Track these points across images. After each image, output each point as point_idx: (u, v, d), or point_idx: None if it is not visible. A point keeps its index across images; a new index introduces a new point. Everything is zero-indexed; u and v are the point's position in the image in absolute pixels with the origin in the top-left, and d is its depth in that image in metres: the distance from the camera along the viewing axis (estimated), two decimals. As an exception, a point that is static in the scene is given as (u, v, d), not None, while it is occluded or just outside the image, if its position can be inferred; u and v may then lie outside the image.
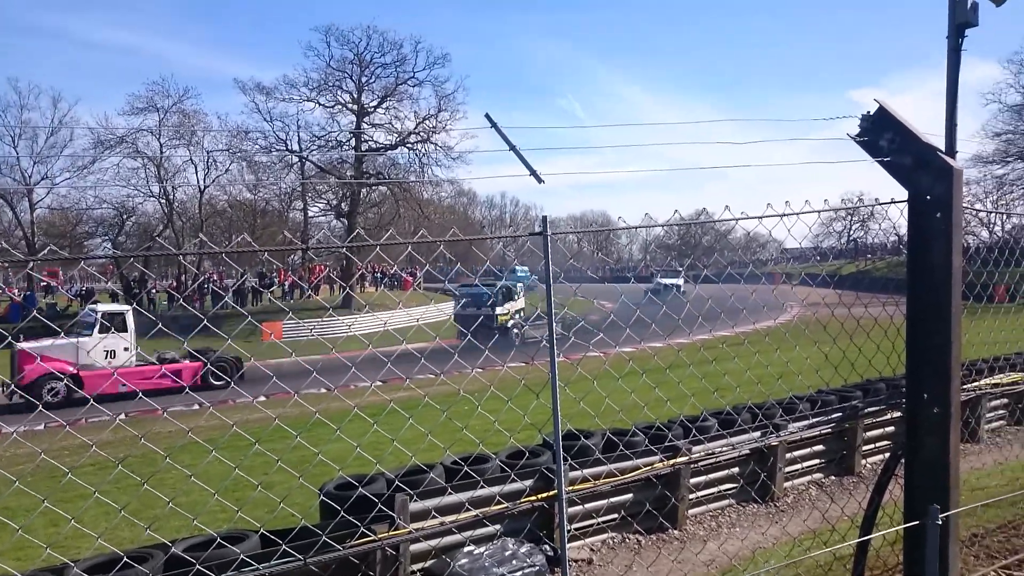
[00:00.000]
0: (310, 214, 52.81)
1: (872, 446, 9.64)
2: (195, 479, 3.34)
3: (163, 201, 47.66)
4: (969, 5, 3.42)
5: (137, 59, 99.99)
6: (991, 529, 5.93)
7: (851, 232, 72.83)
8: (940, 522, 3.25)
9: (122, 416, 3.50)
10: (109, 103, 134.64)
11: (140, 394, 3.74)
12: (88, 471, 11.19)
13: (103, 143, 44.49)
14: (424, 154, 48.26)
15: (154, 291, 44.70)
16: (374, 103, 48.82)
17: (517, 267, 39.97)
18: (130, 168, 45.91)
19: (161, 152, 46.61)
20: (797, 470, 8.89)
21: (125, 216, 48.13)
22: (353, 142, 48.42)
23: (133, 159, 45.85)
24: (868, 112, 3.77)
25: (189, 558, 3.63)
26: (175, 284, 47.84)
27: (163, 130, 46.10)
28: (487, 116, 3.08)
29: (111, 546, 3.81)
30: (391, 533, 4.86)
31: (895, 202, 3.84)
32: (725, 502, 8.12)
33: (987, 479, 7.81)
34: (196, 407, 13.11)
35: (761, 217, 3.43)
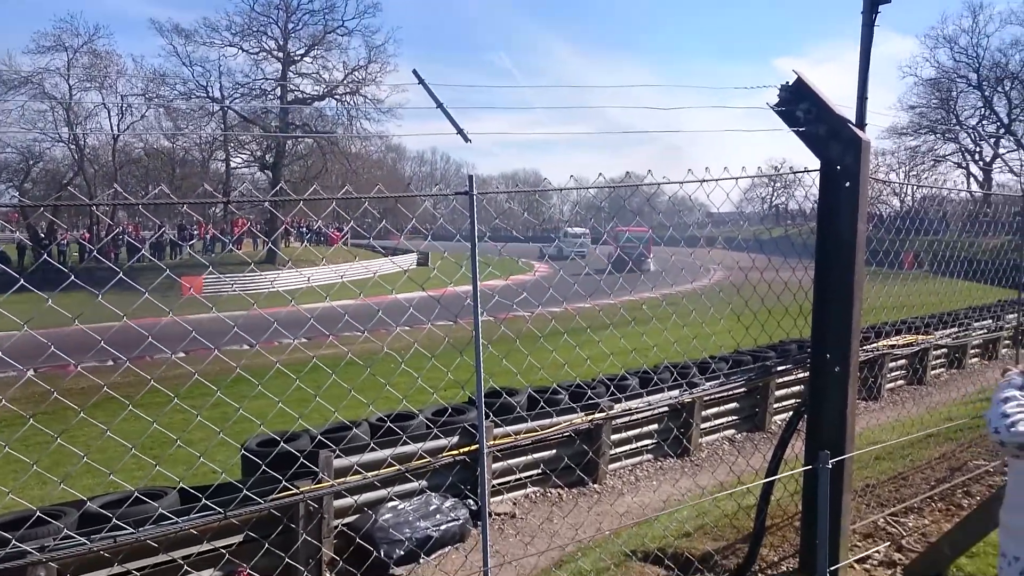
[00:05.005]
0: (233, 165, 50.98)
1: (782, 404, 10.15)
2: (111, 435, 3.28)
3: (73, 147, 45.10)
4: (883, -18, 3.58)
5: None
6: (883, 480, 6.36)
7: (774, 198, 75.08)
8: (831, 466, 3.48)
9: (30, 372, 3.39)
10: (12, 40, 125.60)
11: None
12: (-7, 428, 10.74)
13: (5, 83, 41.59)
14: (353, 107, 47.04)
15: (64, 242, 42.49)
16: (301, 51, 47.02)
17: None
18: (36, 111, 43.16)
19: (70, 95, 43.95)
20: (712, 426, 9.30)
21: (31, 162, 45.39)
22: (278, 91, 46.74)
23: (40, 101, 43.12)
24: (787, 83, 3.90)
25: (106, 513, 3.58)
26: (87, 235, 45.59)
27: (72, 71, 43.43)
28: (415, 72, 3.06)
29: (22, 502, 3.72)
30: (313, 486, 4.89)
31: (808, 171, 4.01)
32: (644, 457, 8.44)
33: (883, 434, 8.32)
34: (111, 363, 12.71)
35: (682, 182, 3.54)
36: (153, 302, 3.23)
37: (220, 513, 3.20)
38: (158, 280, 3.59)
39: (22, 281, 2.89)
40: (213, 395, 3.62)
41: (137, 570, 4.18)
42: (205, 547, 4.46)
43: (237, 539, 4.79)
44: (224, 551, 4.42)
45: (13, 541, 3.24)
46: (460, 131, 3.17)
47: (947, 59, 55.18)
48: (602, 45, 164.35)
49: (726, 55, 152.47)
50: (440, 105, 3.13)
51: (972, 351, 14.23)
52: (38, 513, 3.51)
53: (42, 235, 40.94)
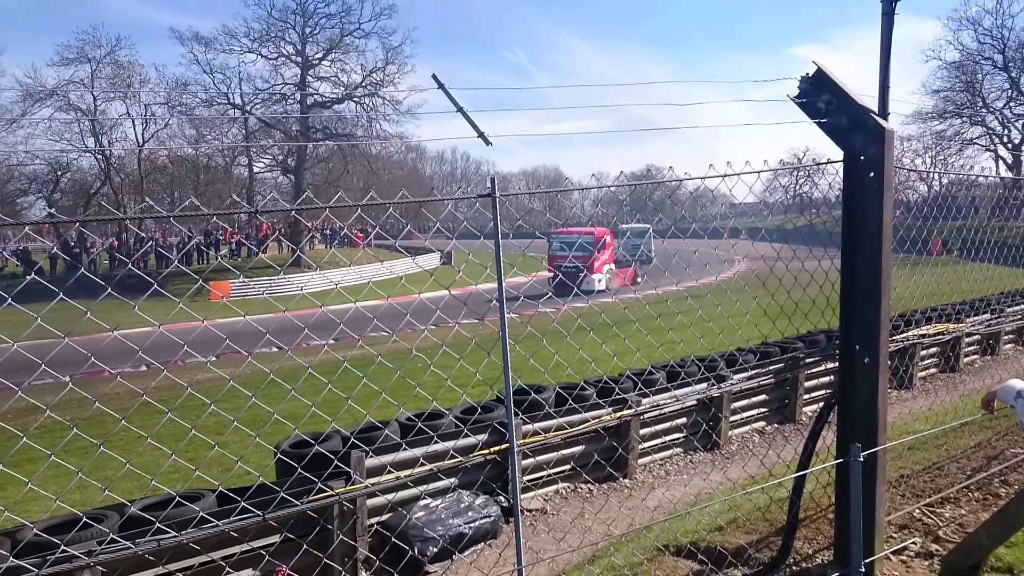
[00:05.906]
0: (256, 170, 51.52)
1: (812, 395, 10.06)
2: (151, 440, 3.37)
3: (99, 157, 45.82)
4: (903, -30, 3.55)
5: (63, 3, 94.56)
6: (917, 471, 6.30)
7: (797, 187, 74.14)
8: (862, 459, 3.47)
9: (69, 382, 3.48)
10: (36, 53, 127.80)
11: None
12: (32, 435, 10.97)
13: (32, 96, 42.37)
14: (371, 108, 47.28)
15: (94, 250, 43.28)
16: (319, 55, 47.40)
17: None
18: (63, 122, 43.91)
19: (95, 105, 44.66)
20: (742, 419, 9.25)
21: (59, 172, 46.21)
22: (298, 95, 47.10)
23: (66, 112, 43.85)
24: (807, 74, 3.88)
25: (149, 517, 3.67)
26: (116, 243, 46.31)
27: (96, 82, 44.11)
28: (434, 77, 3.08)
29: (67, 507, 3.82)
30: (348, 488, 4.96)
31: (831, 162, 3.99)
32: (673, 451, 8.43)
33: (916, 424, 8.24)
34: (144, 368, 12.94)
35: (703, 178, 3.54)
36: (186, 310, 3.31)
37: (259, 515, 3.27)
38: (192, 290, 3.66)
39: (60, 295, 2.95)
40: (245, 398, 3.70)
41: (179, 571, 4.29)
42: (244, 547, 4.56)
43: (275, 539, 4.88)
44: (263, 551, 4.51)
45: (62, 546, 3.34)
46: (481, 135, 3.19)
47: (971, 41, 54.12)
48: (615, 36, 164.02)
49: (742, 44, 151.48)
50: (460, 109, 3.15)
51: (1006, 337, 14.00)
52: (84, 519, 3.61)
53: (72, 244, 41.71)
